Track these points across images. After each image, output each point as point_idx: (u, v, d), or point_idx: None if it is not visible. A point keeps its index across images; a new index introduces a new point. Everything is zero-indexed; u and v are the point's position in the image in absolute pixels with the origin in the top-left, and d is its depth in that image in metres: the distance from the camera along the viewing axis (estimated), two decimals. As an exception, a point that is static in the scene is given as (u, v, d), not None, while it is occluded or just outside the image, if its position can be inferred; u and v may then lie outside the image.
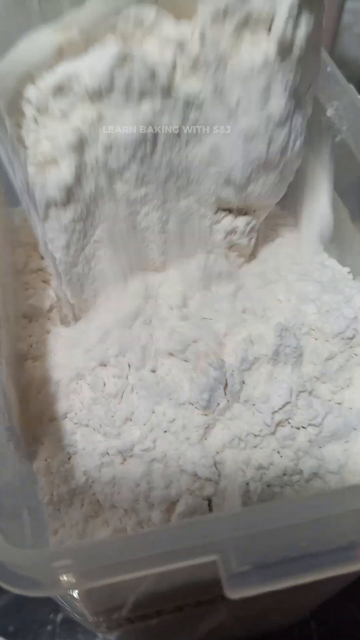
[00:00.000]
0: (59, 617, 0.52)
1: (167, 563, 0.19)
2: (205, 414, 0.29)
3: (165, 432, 0.28)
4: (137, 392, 0.29)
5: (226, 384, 0.29)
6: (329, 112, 0.34)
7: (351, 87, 0.33)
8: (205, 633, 0.44)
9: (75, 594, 0.26)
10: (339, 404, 0.30)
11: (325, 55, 0.34)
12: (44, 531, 0.27)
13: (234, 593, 0.19)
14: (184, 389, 0.29)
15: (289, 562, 0.19)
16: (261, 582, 0.19)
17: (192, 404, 0.29)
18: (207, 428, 0.29)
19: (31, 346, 0.32)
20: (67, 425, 0.29)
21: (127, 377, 0.30)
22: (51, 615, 0.52)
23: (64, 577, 0.19)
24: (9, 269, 0.34)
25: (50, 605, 0.52)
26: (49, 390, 0.30)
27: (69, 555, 0.19)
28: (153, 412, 0.29)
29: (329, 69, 0.33)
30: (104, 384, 0.30)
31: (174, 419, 0.28)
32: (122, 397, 0.29)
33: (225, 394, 0.29)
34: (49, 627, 0.51)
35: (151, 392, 0.29)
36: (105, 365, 0.30)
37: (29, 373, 0.31)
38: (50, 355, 0.32)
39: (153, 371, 0.30)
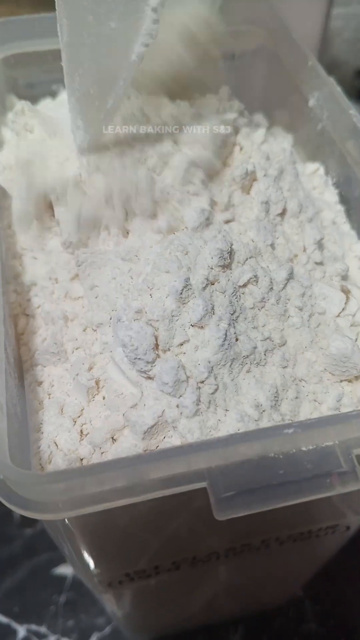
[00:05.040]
0: (62, 598, 0.53)
1: (163, 489, 0.21)
2: None
3: None
4: None
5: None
6: (311, 103, 0.36)
7: (330, 79, 0.35)
8: (201, 605, 0.45)
9: (81, 544, 0.28)
10: None
11: (307, 51, 0.36)
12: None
13: (222, 515, 0.21)
14: None
15: (271, 488, 0.21)
16: (246, 505, 0.21)
17: None
18: None
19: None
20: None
21: None
22: (54, 597, 0.53)
23: (60, 500, 0.21)
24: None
25: (53, 587, 0.53)
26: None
27: (63, 479, 0.21)
28: None
29: (310, 63, 0.36)
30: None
31: None
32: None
33: None
34: (52, 608, 0.52)
35: None
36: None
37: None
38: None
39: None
